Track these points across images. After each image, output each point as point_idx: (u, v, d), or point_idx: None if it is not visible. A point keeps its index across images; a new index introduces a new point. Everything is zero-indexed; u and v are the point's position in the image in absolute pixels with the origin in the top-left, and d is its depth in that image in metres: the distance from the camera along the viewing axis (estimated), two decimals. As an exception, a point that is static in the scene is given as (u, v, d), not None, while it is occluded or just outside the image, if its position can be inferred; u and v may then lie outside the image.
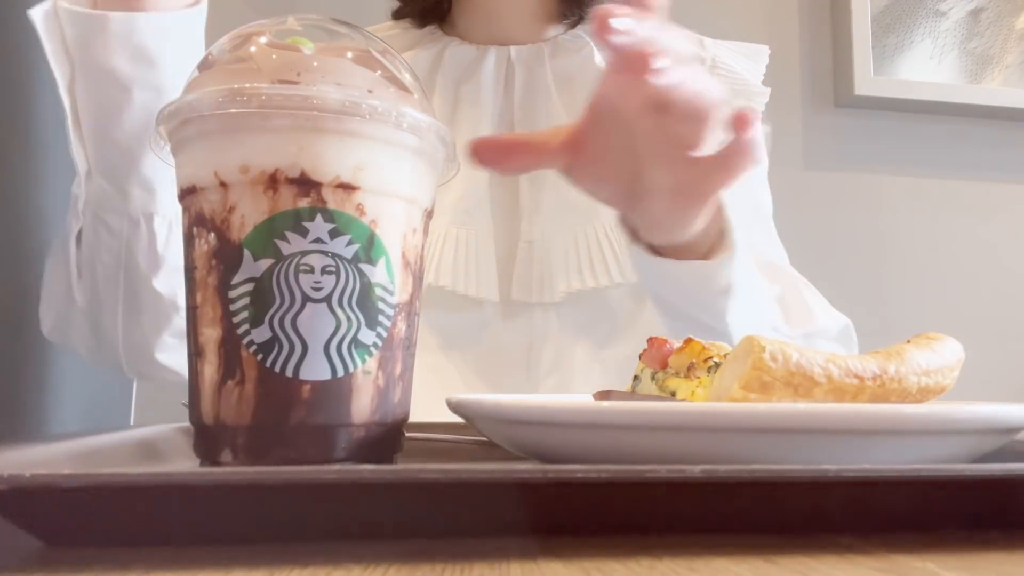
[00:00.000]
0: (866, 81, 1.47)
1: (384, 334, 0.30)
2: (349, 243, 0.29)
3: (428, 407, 0.46)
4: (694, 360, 0.38)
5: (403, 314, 0.31)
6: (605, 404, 0.30)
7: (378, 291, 0.30)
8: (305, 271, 0.28)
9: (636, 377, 0.42)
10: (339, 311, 0.29)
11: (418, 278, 0.32)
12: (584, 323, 0.74)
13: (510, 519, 0.27)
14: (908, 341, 0.35)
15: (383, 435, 0.31)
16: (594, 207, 0.72)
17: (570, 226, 0.74)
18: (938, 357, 0.34)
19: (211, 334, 0.29)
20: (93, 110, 0.54)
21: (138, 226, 0.58)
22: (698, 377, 0.37)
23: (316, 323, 0.28)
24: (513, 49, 0.80)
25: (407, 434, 0.44)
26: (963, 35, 1.51)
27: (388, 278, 0.30)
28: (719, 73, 0.80)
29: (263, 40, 0.31)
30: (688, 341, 0.39)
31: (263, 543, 0.25)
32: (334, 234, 0.28)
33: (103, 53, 0.52)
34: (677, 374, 0.39)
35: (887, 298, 1.48)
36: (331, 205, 0.29)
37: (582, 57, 0.79)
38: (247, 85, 0.28)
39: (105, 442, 0.38)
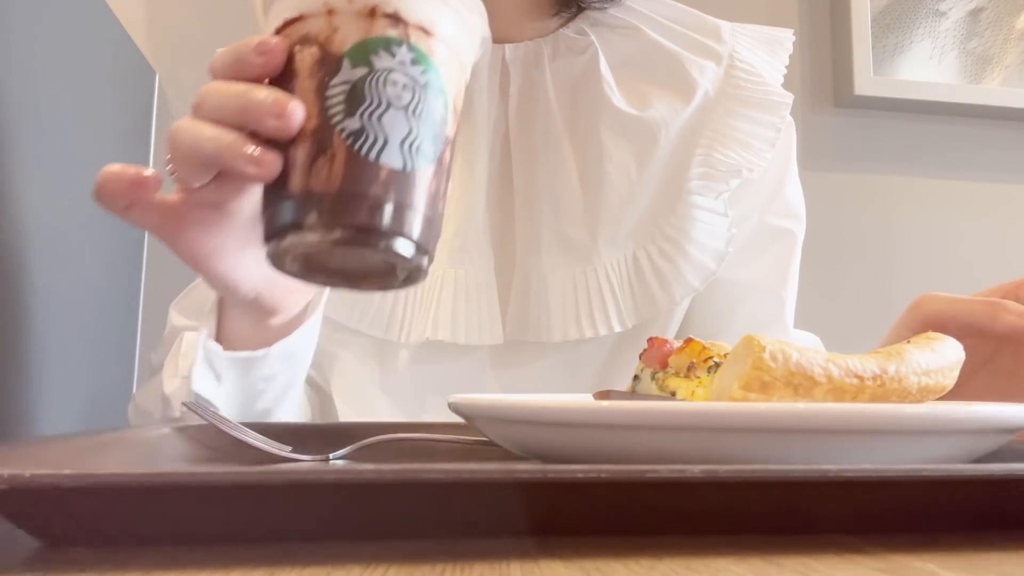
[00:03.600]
0: (866, 81, 1.46)
1: (438, 155, 0.36)
2: (423, 72, 0.36)
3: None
4: (694, 360, 0.38)
5: (449, 146, 0.37)
6: (605, 404, 0.30)
7: (437, 117, 0.36)
8: (392, 83, 0.35)
9: (636, 377, 0.42)
10: (412, 120, 0.35)
11: (456, 127, 0.38)
12: (578, 363, 0.71)
13: (510, 519, 0.27)
14: (908, 341, 0.35)
15: (432, 234, 0.36)
16: (594, 246, 0.69)
17: (568, 265, 0.69)
18: (938, 357, 0.34)
19: (306, 124, 0.35)
20: (239, 398, 0.56)
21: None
22: (698, 377, 0.37)
23: (395, 123, 0.35)
24: (508, 47, 0.71)
25: (408, 436, 0.44)
26: (963, 35, 1.51)
27: (445, 112, 0.36)
28: (737, 74, 0.72)
29: None
30: (688, 341, 0.39)
31: (263, 543, 0.25)
32: (414, 62, 0.36)
33: (254, 374, 0.54)
34: (677, 374, 0.39)
35: (887, 298, 1.48)
36: (413, 40, 0.36)
37: (586, 59, 0.71)
38: None
39: (105, 442, 0.38)
